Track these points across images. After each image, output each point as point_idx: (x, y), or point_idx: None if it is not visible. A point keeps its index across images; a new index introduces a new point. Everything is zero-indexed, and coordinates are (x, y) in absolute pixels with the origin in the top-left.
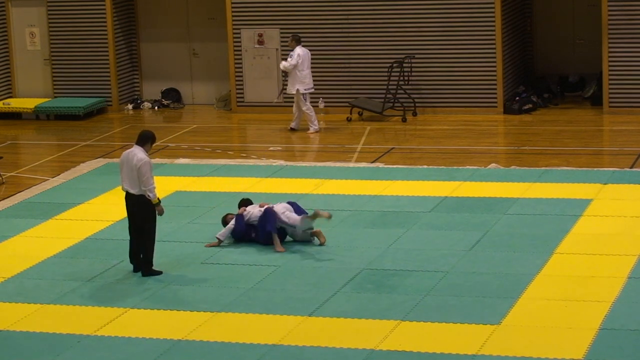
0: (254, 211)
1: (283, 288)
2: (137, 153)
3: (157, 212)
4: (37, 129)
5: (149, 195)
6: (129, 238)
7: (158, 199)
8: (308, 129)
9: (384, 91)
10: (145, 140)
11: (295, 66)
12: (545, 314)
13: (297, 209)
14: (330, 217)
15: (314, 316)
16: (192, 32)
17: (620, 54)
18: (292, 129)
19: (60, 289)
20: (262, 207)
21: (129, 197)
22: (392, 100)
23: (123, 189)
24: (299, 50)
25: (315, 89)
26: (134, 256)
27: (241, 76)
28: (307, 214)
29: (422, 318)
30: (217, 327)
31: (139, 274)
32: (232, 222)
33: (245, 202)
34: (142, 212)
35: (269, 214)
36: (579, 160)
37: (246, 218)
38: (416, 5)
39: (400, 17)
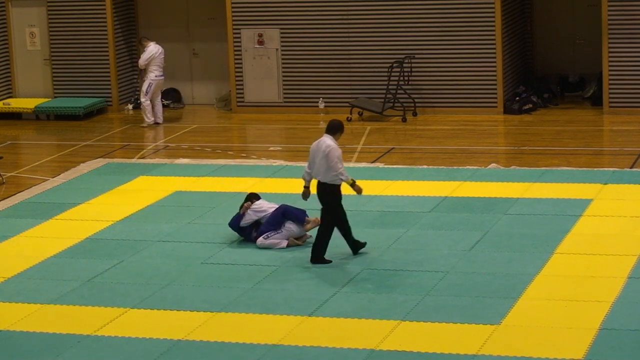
0: (265, 207)
1: (283, 288)
2: (326, 140)
3: (356, 192)
4: (37, 129)
5: (341, 179)
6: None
7: (352, 179)
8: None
9: (384, 91)
10: (335, 129)
11: (148, 61)
12: (545, 314)
13: (293, 214)
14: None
15: (314, 316)
16: (192, 32)
17: (620, 54)
18: (157, 123)
19: (60, 289)
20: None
21: (320, 186)
22: (392, 100)
23: (305, 178)
24: (151, 46)
25: (315, 89)
26: (351, 243)
27: (241, 76)
28: (303, 219)
29: (422, 318)
30: (217, 327)
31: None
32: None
33: (254, 197)
34: (327, 201)
35: (287, 209)
36: (579, 160)
37: (258, 217)
38: (416, 5)
39: (400, 17)
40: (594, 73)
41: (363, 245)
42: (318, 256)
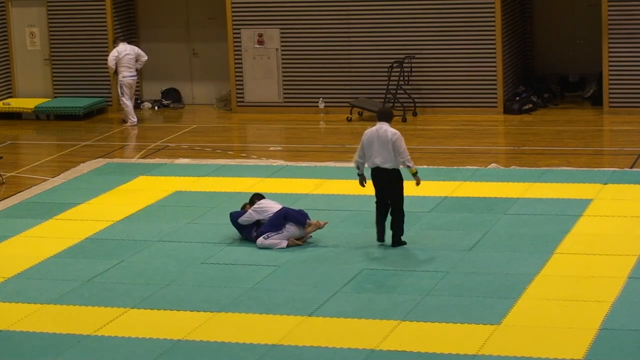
0: (270, 208)
1: (283, 288)
2: (388, 128)
3: (416, 182)
4: (37, 129)
5: (408, 166)
6: (375, 212)
7: (415, 168)
8: (126, 122)
9: (384, 91)
10: (390, 116)
11: (115, 62)
12: (545, 314)
13: (294, 217)
14: (324, 224)
15: (314, 316)
16: (192, 32)
17: (620, 54)
18: (128, 122)
19: (60, 289)
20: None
21: (381, 172)
22: (392, 100)
23: (369, 165)
24: (119, 46)
25: (315, 89)
26: (381, 229)
27: (241, 76)
28: (304, 222)
29: (422, 318)
30: (217, 327)
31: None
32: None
33: (257, 197)
34: (395, 186)
35: (289, 212)
36: (579, 160)
37: (260, 216)
38: (416, 5)
39: (400, 17)
40: (594, 73)
41: (383, 241)
42: (398, 240)
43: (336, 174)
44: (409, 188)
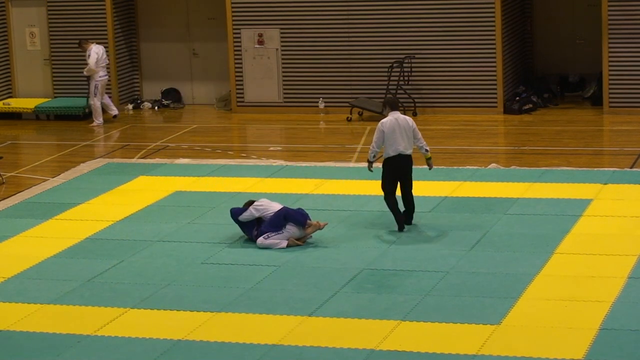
0: (270, 207)
1: (283, 288)
2: (405, 116)
3: (429, 166)
4: (37, 129)
5: (426, 150)
6: (390, 202)
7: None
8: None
9: (384, 91)
10: (398, 104)
11: (96, 63)
12: (545, 314)
13: (294, 218)
14: (324, 225)
15: (314, 316)
16: (192, 32)
17: (620, 54)
18: (115, 116)
19: (60, 289)
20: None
21: (403, 158)
22: None
23: (391, 153)
24: (94, 48)
25: (315, 89)
26: (402, 217)
27: (241, 76)
28: (304, 222)
29: (422, 318)
30: (217, 327)
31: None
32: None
33: (251, 204)
34: (411, 171)
35: (289, 213)
36: (579, 160)
37: (259, 214)
38: (416, 5)
39: (400, 17)
40: (594, 73)
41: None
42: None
43: (336, 174)
44: None
